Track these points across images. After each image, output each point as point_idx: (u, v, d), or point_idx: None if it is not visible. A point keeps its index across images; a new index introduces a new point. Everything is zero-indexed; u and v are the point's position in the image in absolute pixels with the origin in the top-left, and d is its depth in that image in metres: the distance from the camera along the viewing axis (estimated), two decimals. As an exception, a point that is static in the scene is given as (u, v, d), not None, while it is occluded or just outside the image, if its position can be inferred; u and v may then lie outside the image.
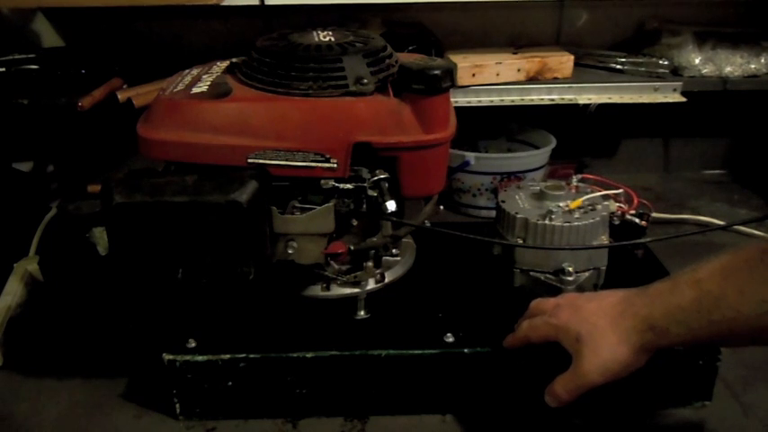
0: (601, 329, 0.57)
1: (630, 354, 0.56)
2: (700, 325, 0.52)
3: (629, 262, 0.81)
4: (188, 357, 0.65)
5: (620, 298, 0.59)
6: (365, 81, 0.63)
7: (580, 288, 0.71)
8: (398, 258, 0.75)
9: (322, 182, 0.63)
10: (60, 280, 0.84)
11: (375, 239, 0.69)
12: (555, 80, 1.06)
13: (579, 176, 0.81)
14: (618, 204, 0.82)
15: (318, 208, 0.64)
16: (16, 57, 1.01)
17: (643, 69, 1.10)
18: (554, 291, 0.70)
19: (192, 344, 0.66)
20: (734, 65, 1.10)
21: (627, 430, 0.67)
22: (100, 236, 0.62)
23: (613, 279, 0.74)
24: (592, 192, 0.77)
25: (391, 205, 0.64)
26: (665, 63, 1.10)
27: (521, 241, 0.72)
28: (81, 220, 0.62)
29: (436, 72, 0.62)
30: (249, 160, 0.62)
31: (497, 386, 0.67)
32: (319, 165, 0.62)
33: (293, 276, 0.70)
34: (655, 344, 0.55)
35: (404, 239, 0.76)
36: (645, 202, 0.89)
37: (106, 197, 0.59)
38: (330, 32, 0.69)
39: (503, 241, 0.74)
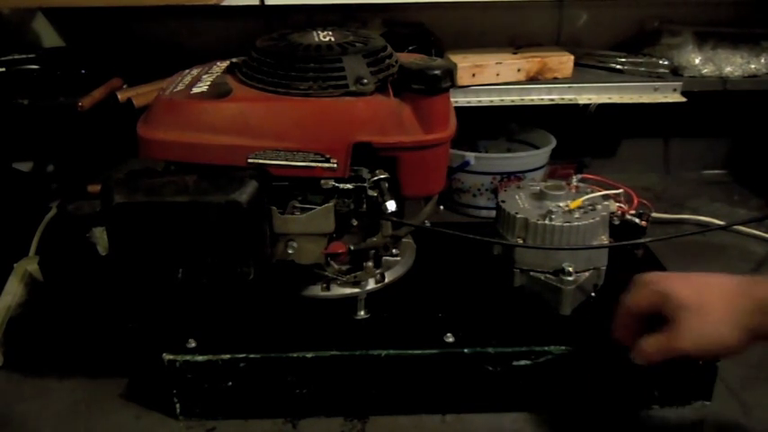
0: (712, 302, 0.55)
1: (734, 336, 0.54)
2: None
3: (629, 262, 0.81)
4: (188, 357, 0.65)
5: (739, 278, 0.56)
6: (365, 81, 0.63)
7: (580, 288, 0.71)
8: (398, 258, 0.75)
9: (322, 182, 0.63)
10: (60, 280, 0.84)
11: (375, 239, 0.69)
12: (555, 80, 1.06)
13: (579, 176, 0.81)
14: (618, 204, 0.82)
15: (318, 208, 0.64)
16: (16, 57, 1.01)
17: (643, 69, 1.10)
18: (554, 291, 0.70)
19: (192, 344, 0.66)
20: (734, 65, 1.09)
21: (627, 430, 0.67)
22: (100, 236, 0.61)
23: (613, 279, 0.74)
24: (592, 192, 0.77)
25: (391, 205, 0.64)
26: (665, 63, 1.10)
27: (521, 241, 0.72)
28: (81, 220, 0.62)
29: (436, 72, 0.62)
30: (249, 160, 0.62)
31: (498, 386, 0.67)
32: (319, 165, 0.62)
33: (293, 276, 0.70)
34: (765, 331, 0.53)
35: (404, 239, 0.76)
36: (645, 202, 0.89)
37: (106, 197, 0.59)
38: (330, 32, 0.69)
39: (503, 241, 0.74)
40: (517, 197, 0.77)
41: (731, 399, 0.69)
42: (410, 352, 0.65)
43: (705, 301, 0.55)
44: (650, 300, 0.58)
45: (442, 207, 1.11)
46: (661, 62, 1.10)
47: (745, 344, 0.54)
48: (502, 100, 1.05)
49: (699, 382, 0.67)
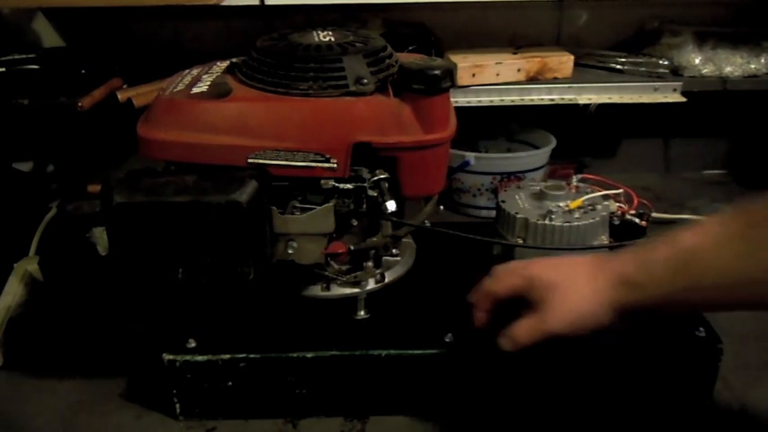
0: (575, 280, 0.57)
1: (599, 310, 0.55)
2: (675, 279, 0.52)
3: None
4: (188, 357, 0.65)
5: (596, 256, 0.59)
6: (365, 81, 0.63)
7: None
8: (398, 258, 0.75)
9: (322, 182, 0.63)
10: (60, 280, 0.84)
11: (375, 239, 0.69)
12: (555, 80, 1.06)
13: (579, 176, 0.81)
14: (618, 204, 0.82)
15: (318, 208, 0.64)
16: (16, 57, 1.01)
17: (643, 69, 1.10)
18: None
19: (192, 344, 0.66)
20: (734, 65, 1.09)
21: (627, 430, 0.67)
22: (100, 236, 0.61)
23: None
24: (592, 192, 0.77)
25: (391, 205, 0.64)
26: (665, 63, 1.10)
27: (521, 241, 0.72)
28: (81, 220, 0.62)
29: (436, 72, 0.62)
30: (249, 160, 0.62)
31: (497, 386, 0.67)
32: (319, 165, 0.62)
33: (293, 276, 0.70)
34: (629, 301, 0.54)
35: (404, 239, 0.76)
36: (645, 202, 0.89)
37: (106, 197, 0.59)
38: (330, 32, 0.69)
39: (503, 241, 0.74)
40: (517, 197, 0.77)
41: (731, 399, 0.69)
42: (410, 352, 0.65)
43: (570, 280, 0.57)
44: (516, 285, 0.60)
45: (442, 207, 1.11)
46: (661, 62, 1.10)
47: (611, 317, 0.55)
48: (502, 100, 1.05)
49: (699, 382, 0.67)
